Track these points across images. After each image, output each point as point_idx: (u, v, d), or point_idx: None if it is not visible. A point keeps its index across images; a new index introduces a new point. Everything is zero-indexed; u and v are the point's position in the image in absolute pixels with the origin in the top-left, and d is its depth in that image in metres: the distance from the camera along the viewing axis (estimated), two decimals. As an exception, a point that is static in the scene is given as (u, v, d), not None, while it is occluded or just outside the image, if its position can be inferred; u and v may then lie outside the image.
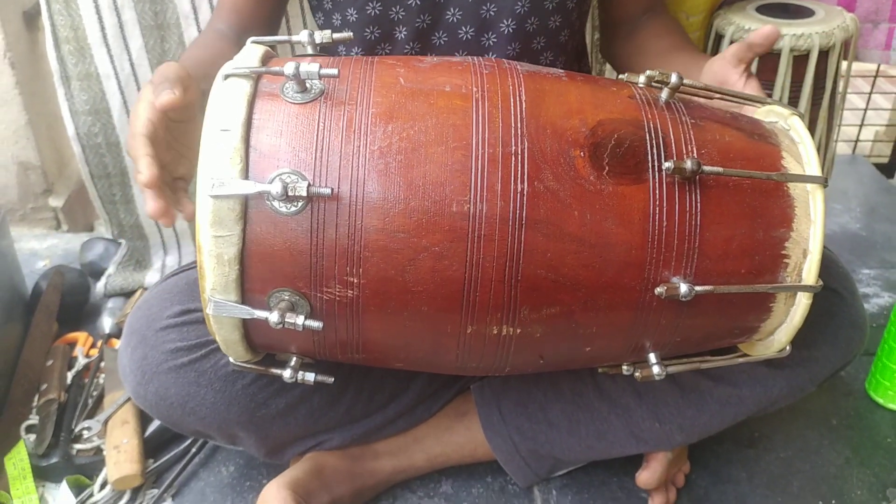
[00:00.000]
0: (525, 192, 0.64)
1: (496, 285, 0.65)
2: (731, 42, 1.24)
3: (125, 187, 1.39)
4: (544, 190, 0.64)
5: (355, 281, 0.65)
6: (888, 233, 1.58)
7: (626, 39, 1.04)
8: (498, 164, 0.64)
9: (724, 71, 0.81)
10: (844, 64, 1.30)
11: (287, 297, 0.66)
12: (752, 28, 1.21)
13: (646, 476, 0.96)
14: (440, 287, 0.65)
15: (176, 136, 0.73)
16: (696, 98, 0.76)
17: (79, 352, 1.19)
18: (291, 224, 0.64)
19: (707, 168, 0.65)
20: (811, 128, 1.29)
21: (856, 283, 0.96)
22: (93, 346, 1.22)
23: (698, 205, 0.66)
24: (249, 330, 0.70)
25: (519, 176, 0.64)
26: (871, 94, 1.81)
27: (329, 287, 0.65)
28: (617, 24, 1.06)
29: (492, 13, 0.91)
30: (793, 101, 1.24)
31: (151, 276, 1.37)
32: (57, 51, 1.26)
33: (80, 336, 1.23)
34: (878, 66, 1.74)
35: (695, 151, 0.68)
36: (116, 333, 1.23)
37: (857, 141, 1.89)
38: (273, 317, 0.64)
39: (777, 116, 0.76)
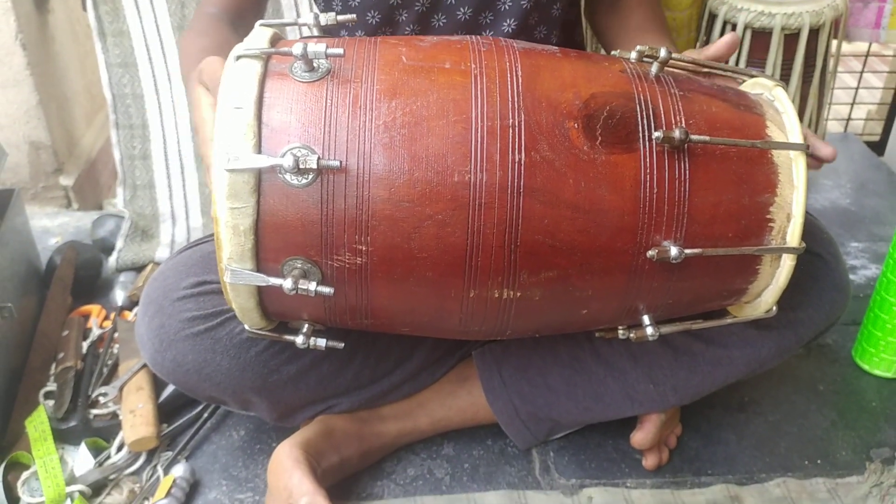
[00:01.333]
0: (522, 162, 0.67)
1: (496, 250, 0.69)
2: (725, 23, 1.28)
3: (145, 141, 1.49)
4: (541, 160, 0.68)
5: (364, 248, 0.69)
6: (877, 207, 1.62)
7: (607, 9, 1.05)
8: (496, 135, 0.68)
9: None
10: (835, 42, 1.33)
11: (300, 265, 0.69)
12: (744, 8, 1.25)
13: (640, 437, 1.00)
14: (444, 253, 0.69)
15: None
16: (684, 71, 0.79)
17: (93, 323, 1.22)
18: (303, 195, 0.67)
19: (695, 137, 0.69)
20: (802, 105, 1.33)
21: (843, 252, 0.99)
22: (106, 317, 1.25)
23: (687, 172, 0.70)
24: (264, 298, 0.74)
25: (516, 147, 0.68)
26: (862, 73, 1.84)
27: (339, 255, 0.69)
28: None
29: None
30: (784, 79, 1.28)
31: (161, 251, 1.40)
32: (95, 10, 1.41)
33: (94, 308, 1.26)
34: (870, 45, 1.76)
35: (683, 122, 0.71)
36: (129, 306, 1.27)
37: (849, 119, 1.92)
38: (287, 284, 0.68)
39: (762, 88, 0.80)
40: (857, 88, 1.86)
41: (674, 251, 0.69)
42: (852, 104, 1.89)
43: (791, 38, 1.25)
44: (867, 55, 1.81)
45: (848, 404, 1.14)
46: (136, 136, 1.49)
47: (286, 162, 0.65)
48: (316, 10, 1.03)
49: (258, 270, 0.69)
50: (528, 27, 0.97)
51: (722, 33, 1.29)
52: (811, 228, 0.95)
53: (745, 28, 1.25)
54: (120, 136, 1.49)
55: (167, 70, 1.44)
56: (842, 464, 1.04)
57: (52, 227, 1.54)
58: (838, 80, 1.41)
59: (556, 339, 0.99)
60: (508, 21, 0.95)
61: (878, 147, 1.87)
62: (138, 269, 1.37)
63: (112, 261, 1.38)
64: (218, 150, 0.66)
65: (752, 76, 0.81)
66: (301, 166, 0.65)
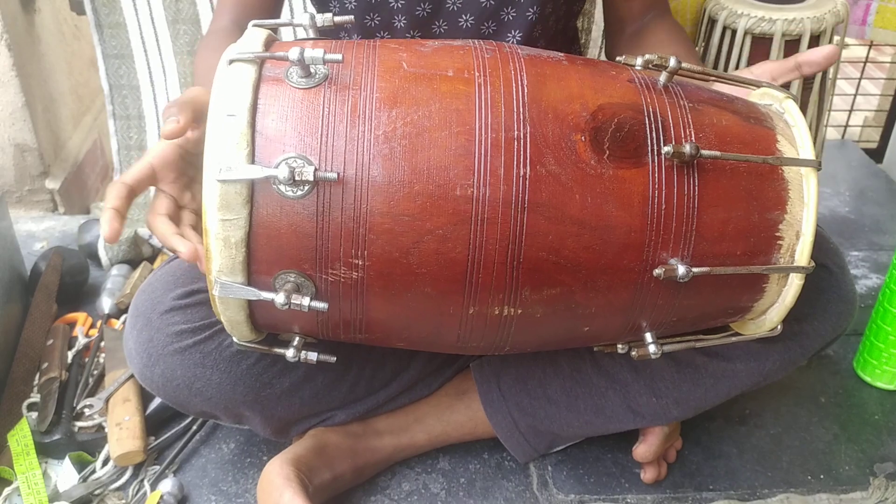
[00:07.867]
0: (527, 176, 0.65)
1: (498, 267, 0.66)
2: (724, 28, 1.26)
3: (141, 132, 1.52)
4: (546, 174, 0.65)
5: (360, 263, 0.66)
6: (876, 215, 1.60)
7: (630, 41, 1.02)
8: (501, 148, 0.65)
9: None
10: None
11: (293, 279, 0.67)
12: (745, 13, 1.23)
13: (643, 450, 0.98)
14: (444, 269, 0.66)
15: (191, 160, 0.77)
16: (693, 81, 0.77)
17: (79, 332, 1.19)
18: (297, 207, 0.64)
19: (705, 152, 0.67)
20: (802, 112, 1.31)
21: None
22: (92, 326, 1.23)
23: (696, 188, 0.68)
24: (254, 310, 0.71)
25: (521, 160, 0.65)
26: (860, 79, 1.83)
27: (334, 269, 0.66)
28: (621, 23, 1.04)
29: (492, 2, 0.92)
30: (784, 86, 1.25)
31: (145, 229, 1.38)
32: (92, 3, 1.44)
33: (80, 316, 1.24)
34: (868, 52, 1.75)
35: (693, 135, 0.69)
36: (116, 314, 1.24)
37: (846, 126, 1.91)
38: (279, 298, 0.65)
39: (772, 99, 0.78)
40: (854, 95, 1.85)
41: (681, 270, 0.67)
42: (850, 111, 1.88)
43: (792, 45, 1.23)
44: (865, 62, 1.80)
45: (850, 417, 1.12)
46: (132, 127, 1.52)
47: (281, 173, 0.62)
48: (311, 10, 1.00)
49: (249, 284, 0.67)
50: (532, 39, 0.95)
51: (721, 39, 1.27)
52: (816, 239, 0.92)
53: (746, 34, 1.23)
54: (117, 127, 1.52)
55: (162, 62, 1.46)
56: (845, 479, 1.02)
57: (37, 231, 1.51)
58: (836, 87, 1.40)
59: (556, 350, 0.97)
60: (513, 32, 0.93)
61: (876, 154, 1.85)
62: (131, 262, 1.35)
63: (102, 252, 1.36)
64: (209, 159, 0.63)
65: (762, 86, 0.79)
66: (297, 178, 0.63)
